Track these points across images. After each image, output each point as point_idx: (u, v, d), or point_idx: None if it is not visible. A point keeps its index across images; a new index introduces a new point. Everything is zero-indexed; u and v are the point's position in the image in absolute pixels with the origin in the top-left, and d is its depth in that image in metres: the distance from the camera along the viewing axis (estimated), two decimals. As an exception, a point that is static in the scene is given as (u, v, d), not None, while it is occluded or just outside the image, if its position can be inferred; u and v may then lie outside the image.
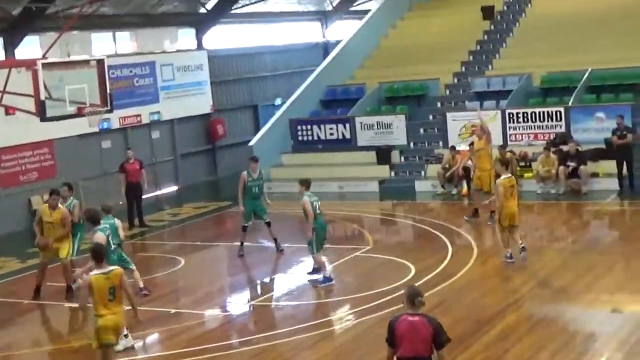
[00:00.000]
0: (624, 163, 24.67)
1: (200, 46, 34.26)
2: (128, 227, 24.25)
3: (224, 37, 36.11)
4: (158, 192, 30.54)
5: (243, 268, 20.04)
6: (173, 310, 16.45)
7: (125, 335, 14.43)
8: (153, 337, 15.12)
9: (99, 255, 11.95)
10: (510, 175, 17.86)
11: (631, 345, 12.70)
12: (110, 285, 11.66)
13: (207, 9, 34.33)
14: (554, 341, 13.08)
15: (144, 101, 30.88)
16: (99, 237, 15.26)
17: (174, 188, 32.02)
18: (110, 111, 20.30)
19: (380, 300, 15.63)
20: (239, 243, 20.64)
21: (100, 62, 19.21)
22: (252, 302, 16.92)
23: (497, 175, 18.37)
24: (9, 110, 21.05)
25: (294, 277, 18.35)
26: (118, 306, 11.83)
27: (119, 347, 14.38)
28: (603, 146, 25.66)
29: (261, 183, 20.67)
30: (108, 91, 19.19)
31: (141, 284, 17.11)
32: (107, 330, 11.76)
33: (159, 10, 32.15)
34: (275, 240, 20.54)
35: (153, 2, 31.28)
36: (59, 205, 17.80)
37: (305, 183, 17.47)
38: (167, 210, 27.84)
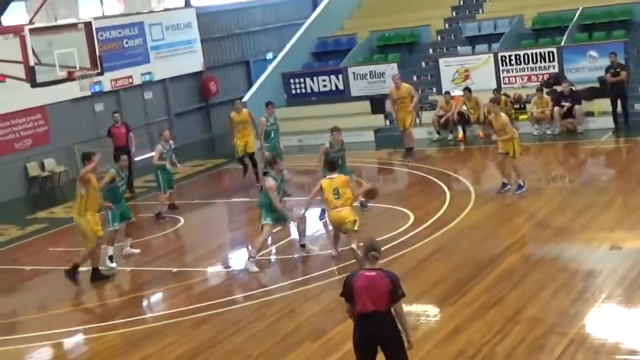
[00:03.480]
0: (618, 101, 24.64)
1: (188, 4, 33.97)
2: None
3: (212, -7, 35.87)
4: (154, 153, 30.40)
5: (242, 224, 20.07)
6: (175, 269, 16.50)
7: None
8: (156, 297, 15.21)
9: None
10: None
11: (630, 281, 12.76)
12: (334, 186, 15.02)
13: (193, -34, 34.06)
14: (555, 280, 13.15)
15: (134, 62, 30.77)
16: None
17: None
18: (101, 74, 20.21)
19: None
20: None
21: (87, 25, 19.07)
22: (253, 257, 16.96)
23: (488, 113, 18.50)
24: (-1, 78, 20.99)
25: (293, 229, 18.32)
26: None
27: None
28: (596, 85, 25.64)
29: (278, 127, 21.97)
30: (97, 54, 19.08)
31: None
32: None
33: (145, -31, 31.90)
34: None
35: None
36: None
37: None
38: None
